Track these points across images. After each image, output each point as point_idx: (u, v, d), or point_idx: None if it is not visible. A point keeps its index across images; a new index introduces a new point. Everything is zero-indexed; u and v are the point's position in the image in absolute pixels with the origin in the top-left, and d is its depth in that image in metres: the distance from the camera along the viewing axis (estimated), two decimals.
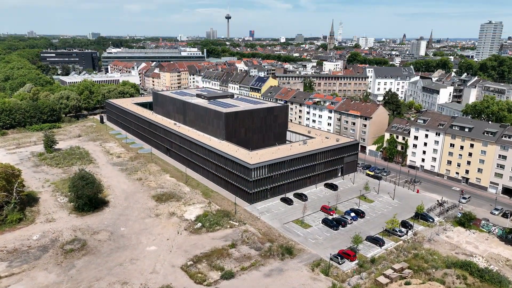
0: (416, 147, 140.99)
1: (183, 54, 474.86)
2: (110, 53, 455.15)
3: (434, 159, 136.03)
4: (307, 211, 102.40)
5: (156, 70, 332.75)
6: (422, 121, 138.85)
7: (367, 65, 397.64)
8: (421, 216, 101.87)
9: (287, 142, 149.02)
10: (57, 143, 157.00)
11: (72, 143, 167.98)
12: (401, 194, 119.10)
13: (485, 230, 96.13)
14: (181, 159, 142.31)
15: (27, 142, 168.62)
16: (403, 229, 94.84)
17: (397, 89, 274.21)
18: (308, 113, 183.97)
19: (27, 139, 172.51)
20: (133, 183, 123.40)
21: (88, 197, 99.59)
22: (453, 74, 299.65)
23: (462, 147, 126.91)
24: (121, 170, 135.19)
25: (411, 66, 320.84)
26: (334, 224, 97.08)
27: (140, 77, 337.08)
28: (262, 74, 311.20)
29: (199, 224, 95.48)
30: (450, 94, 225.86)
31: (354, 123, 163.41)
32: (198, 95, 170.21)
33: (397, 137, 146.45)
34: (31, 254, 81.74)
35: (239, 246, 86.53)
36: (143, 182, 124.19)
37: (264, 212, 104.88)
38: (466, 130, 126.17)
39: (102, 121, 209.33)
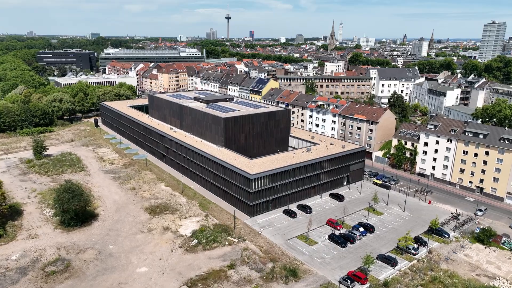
0: (426, 154, 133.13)
1: (182, 54, 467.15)
2: (108, 53, 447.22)
3: (445, 167, 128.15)
4: (311, 225, 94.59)
5: (154, 71, 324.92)
6: (432, 127, 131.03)
7: (370, 66, 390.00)
8: (436, 231, 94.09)
9: (289, 148, 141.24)
10: (47, 148, 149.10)
11: (63, 148, 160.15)
12: (412, 205, 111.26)
13: (506, 247, 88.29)
14: (178, 167, 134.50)
15: (17, 147, 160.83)
16: (416, 246, 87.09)
17: (402, 91, 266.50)
18: (311, 116, 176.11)
19: (16, 144, 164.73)
20: (126, 193, 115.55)
21: (74, 211, 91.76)
22: (459, 75, 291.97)
23: (476, 155, 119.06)
24: (114, 179, 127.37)
25: (416, 67, 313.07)
26: (342, 240, 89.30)
27: (137, 79, 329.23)
28: (262, 76, 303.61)
29: (195, 241, 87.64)
30: (457, 96, 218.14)
31: (359, 128, 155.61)
32: (195, 99, 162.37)
33: (406, 143, 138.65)
34: (8, 278, 73.80)
35: (238, 267, 78.69)
36: (136, 192, 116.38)
37: (266, 226, 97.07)
38: (481, 136, 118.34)
39: (96, 124, 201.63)
